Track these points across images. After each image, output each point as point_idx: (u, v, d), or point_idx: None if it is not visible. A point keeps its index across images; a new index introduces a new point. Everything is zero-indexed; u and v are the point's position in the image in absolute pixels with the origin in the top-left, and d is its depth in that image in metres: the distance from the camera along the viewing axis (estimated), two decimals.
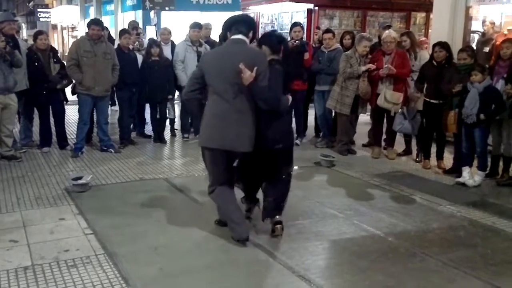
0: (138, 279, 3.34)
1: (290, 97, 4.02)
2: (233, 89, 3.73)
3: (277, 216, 4.10)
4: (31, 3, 33.05)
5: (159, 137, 7.64)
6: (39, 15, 29.78)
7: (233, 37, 3.86)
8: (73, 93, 6.88)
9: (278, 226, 4.08)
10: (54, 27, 30.88)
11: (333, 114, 7.50)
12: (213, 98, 3.85)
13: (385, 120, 7.08)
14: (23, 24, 37.17)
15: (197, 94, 3.93)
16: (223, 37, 4.18)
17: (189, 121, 8.03)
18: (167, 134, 7.99)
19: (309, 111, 8.31)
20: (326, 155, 6.68)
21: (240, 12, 15.13)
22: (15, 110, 6.29)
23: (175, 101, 8.28)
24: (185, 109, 7.85)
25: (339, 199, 5.17)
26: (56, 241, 3.89)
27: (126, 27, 8.52)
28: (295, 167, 6.35)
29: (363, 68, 6.80)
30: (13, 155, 6.28)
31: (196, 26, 7.59)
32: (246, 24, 3.93)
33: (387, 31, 6.96)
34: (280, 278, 3.44)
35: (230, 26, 3.92)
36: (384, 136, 7.24)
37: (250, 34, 3.91)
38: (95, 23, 6.59)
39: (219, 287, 3.30)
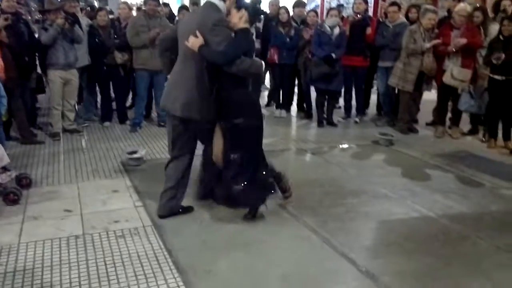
0: (181, 251, 3.46)
1: (262, 62, 3.96)
2: (184, 54, 3.76)
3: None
4: None
5: None
6: None
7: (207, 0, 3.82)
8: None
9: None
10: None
11: (396, 91, 7.27)
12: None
13: (450, 98, 6.78)
14: (95, 1, 38.63)
15: (166, 44, 4.03)
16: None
17: None
18: None
19: (372, 88, 8.13)
20: (385, 134, 6.52)
21: None
22: (76, 86, 6.62)
23: None
24: None
25: (393, 179, 5.05)
26: (107, 212, 4.10)
27: (187, 4, 8.67)
28: (352, 145, 6.32)
29: (428, 44, 6.51)
30: (75, 128, 6.67)
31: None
32: None
33: (462, 4, 6.64)
34: (321, 256, 3.44)
35: None
36: (449, 115, 6.95)
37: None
38: None
39: (259, 261, 3.35)
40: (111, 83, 7.14)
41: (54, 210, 4.13)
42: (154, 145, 6.19)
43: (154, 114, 7.53)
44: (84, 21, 7.06)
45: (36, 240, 3.58)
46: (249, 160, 3.79)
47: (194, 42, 3.60)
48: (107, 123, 7.16)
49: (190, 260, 3.33)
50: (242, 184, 3.77)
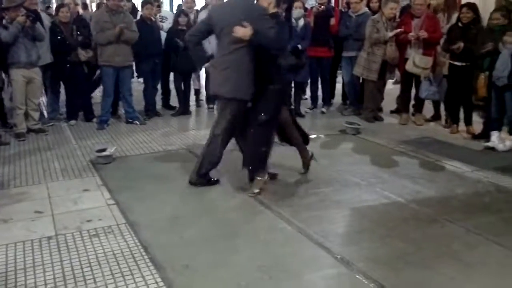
0: (157, 247, 3.42)
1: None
2: (229, 43, 4.13)
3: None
4: None
5: (183, 108, 7.69)
6: None
7: None
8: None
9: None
10: None
11: (361, 80, 7.37)
12: (218, 51, 4.32)
13: (413, 86, 6.93)
14: None
15: (197, 39, 4.42)
16: None
17: None
18: (192, 105, 8.03)
19: (337, 78, 8.20)
20: (352, 123, 6.61)
21: None
22: (39, 84, 6.42)
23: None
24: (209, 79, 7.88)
25: (362, 167, 5.13)
26: (79, 212, 4.01)
27: None
28: (321, 135, 6.38)
29: (390, 34, 6.63)
30: (40, 128, 6.47)
31: None
32: None
33: None
34: (297, 245, 3.47)
35: None
36: (412, 102, 7.10)
37: None
38: None
39: (236, 254, 3.35)
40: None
41: (24, 211, 4.01)
42: (123, 142, 6.09)
43: (121, 111, 7.39)
44: (45, 17, 6.86)
45: (7, 243, 3.47)
46: (271, 123, 4.30)
47: (245, 31, 3.98)
48: (72, 122, 6.99)
49: (167, 256, 3.30)
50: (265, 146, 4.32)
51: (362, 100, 7.34)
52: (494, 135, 5.55)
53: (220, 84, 4.26)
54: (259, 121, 4.23)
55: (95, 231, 3.66)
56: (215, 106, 7.96)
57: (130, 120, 7.02)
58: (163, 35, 7.43)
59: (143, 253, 3.33)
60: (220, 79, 4.26)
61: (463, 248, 3.40)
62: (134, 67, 7.36)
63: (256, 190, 4.31)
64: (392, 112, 7.51)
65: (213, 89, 4.45)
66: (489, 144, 5.56)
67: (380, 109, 7.53)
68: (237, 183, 4.60)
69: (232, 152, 5.73)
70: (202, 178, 4.52)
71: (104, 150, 5.34)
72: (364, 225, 3.79)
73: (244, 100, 4.26)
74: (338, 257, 3.28)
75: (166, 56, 7.40)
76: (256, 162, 4.35)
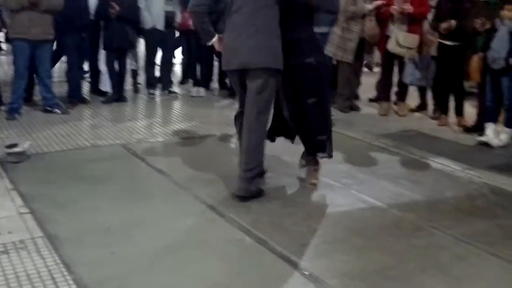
0: (83, 265, 3.36)
1: None
2: (254, 3, 4.18)
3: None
4: None
5: (117, 94, 7.62)
6: None
7: None
8: (7, 39, 6.82)
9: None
10: None
11: (335, 62, 7.46)
12: (232, 16, 4.26)
13: (396, 69, 7.08)
14: None
15: (204, 9, 4.35)
16: None
17: (156, 73, 8.04)
18: (128, 89, 8.00)
19: None
20: None
21: None
22: None
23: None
24: (149, 59, 7.84)
25: (335, 166, 5.18)
26: None
27: None
28: None
29: (370, 6, 6.75)
30: None
31: None
32: None
33: None
34: (257, 260, 3.48)
35: None
36: (395, 89, 7.26)
37: None
38: None
39: (183, 272, 3.33)
40: None
41: None
42: (40, 136, 6.00)
43: (37, 97, 7.23)
44: None
45: None
46: (326, 102, 4.54)
47: None
48: None
49: (96, 276, 3.24)
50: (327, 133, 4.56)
51: (335, 85, 7.43)
52: (490, 128, 5.74)
53: (249, 53, 4.18)
54: (308, 104, 4.38)
55: (3, 246, 3.57)
56: (156, 92, 7.95)
57: (49, 108, 6.92)
58: (92, 3, 7.32)
59: (65, 273, 3.27)
60: (247, 47, 4.19)
61: (452, 259, 3.49)
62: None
63: (315, 181, 4.62)
64: (371, 100, 7.67)
65: (239, 60, 4.25)
66: (483, 138, 5.75)
67: (357, 97, 7.67)
68: (184, 184, 4.60)
69: (177, 145, 5.75)
70: (252, 185, 4.33)
71: (15, 145, 5.25)
72: (337, 234, 3.84)
73: (278, 70, 4.23)
74: (306, 273, 3.31)
75: (96, 29, 7.31)
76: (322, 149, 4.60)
